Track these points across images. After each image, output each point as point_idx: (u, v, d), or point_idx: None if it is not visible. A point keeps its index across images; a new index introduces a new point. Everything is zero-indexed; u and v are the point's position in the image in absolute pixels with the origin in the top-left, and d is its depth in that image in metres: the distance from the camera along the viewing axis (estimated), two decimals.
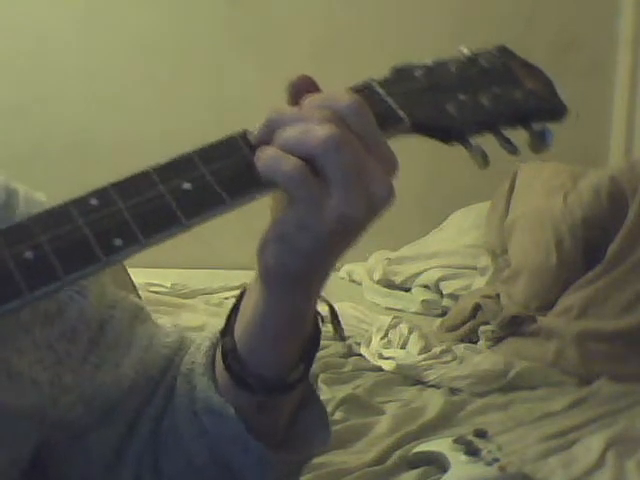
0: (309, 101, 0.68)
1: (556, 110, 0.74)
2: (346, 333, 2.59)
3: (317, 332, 0.78)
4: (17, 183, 0.84)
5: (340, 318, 0.82)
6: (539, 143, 0.73)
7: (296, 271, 0.69)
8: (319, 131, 0.65)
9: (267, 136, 0.67)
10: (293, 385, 0.77)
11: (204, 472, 0.81)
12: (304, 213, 0.66)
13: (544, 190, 2.89)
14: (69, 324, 0.82)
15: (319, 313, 0.78)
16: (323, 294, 0.77)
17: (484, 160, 0.71)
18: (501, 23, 3.34)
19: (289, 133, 0.66)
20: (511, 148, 0.72)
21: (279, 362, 0.76)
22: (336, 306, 0.84)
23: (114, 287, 0.87)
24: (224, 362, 0.77)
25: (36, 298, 0.60)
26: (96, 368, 0.82)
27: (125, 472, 0.84)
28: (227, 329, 0.77)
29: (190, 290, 2.89)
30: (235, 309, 0.77)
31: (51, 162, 3.14)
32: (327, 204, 0.65)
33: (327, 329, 2.84)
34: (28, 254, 0.60)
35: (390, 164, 0.68)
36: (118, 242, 0.61)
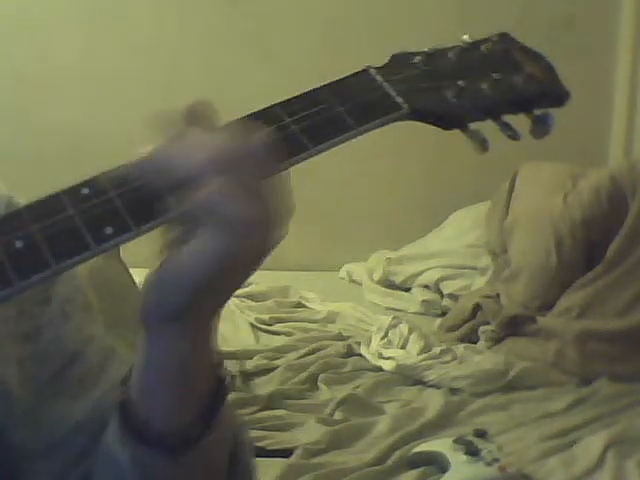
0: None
1: (557, 95, 0.73)
2: (346, 333, 2.59)
3: (220, 390, 0.72)
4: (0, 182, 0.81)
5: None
6: (541, 128, 0.72)
7: (177, 308, 0.65)
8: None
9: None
10: (188, 444, 0.70)
11: None
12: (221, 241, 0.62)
13: (544, 190, 2.89)
14: (43, 346, 0.79)
15: (224, 375, 0.72)
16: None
17: (483, 145, 0.70)
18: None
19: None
20: (512, 134, 0.72)
21: (169, 415, 0.70)
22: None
23: (95, 325, 0.84)
24: (120, 413, 0.72)
25: (26, 287, 0.60)
26: (53, 398, 0.79)
27: None
28: (127, 377, 0.72)
29: None
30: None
31: (50, 165, 3.13)
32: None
33: (327, 329, 2.82)
34: (18, 243, 0.60)
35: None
36: (109, 230, 0.61)
